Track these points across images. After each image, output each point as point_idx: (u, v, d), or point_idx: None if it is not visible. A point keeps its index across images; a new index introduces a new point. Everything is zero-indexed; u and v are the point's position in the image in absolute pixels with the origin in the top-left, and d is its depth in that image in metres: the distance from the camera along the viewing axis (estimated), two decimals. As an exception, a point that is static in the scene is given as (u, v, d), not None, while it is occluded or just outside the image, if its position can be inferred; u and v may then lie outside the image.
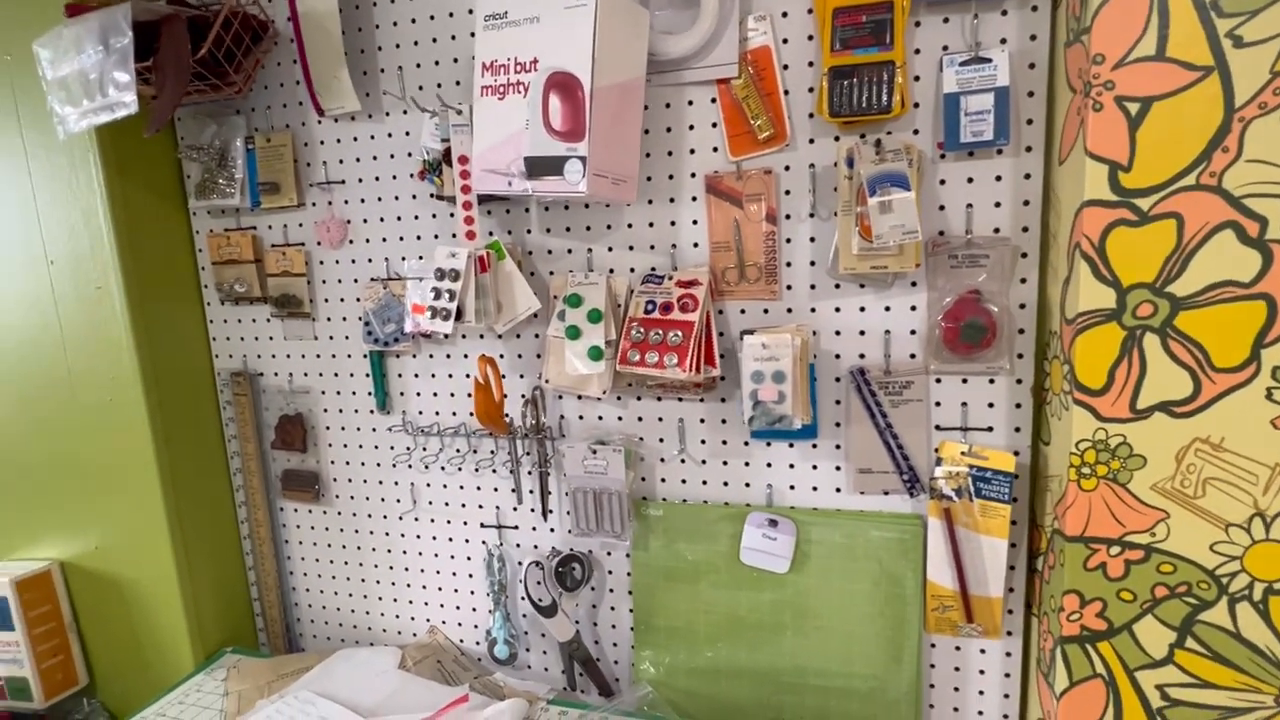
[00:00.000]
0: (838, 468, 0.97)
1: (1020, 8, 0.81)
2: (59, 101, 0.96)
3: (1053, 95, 0.81)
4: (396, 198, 1.10)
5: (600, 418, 1.06)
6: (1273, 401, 0.69)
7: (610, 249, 1.02)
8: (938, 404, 0.91)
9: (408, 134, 1.08)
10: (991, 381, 0.89)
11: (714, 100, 0.93)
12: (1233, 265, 0.68)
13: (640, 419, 1.04)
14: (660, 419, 1.03)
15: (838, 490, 0.97)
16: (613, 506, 1.04)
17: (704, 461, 1.03)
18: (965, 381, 0.90)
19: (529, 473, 1.11)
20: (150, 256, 1.15)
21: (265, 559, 1.29)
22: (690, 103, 0.94)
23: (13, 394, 1.20)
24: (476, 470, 1.14)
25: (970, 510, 0.88)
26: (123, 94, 0.92)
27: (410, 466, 1.18)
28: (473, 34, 1.00)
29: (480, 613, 1.19)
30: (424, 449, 1.17)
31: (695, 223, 0.97)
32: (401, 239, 1.11)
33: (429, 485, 1.18)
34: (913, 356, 0.91)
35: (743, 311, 0.97)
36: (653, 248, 1.00)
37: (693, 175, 0.96)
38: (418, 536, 1.21)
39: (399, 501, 1.20)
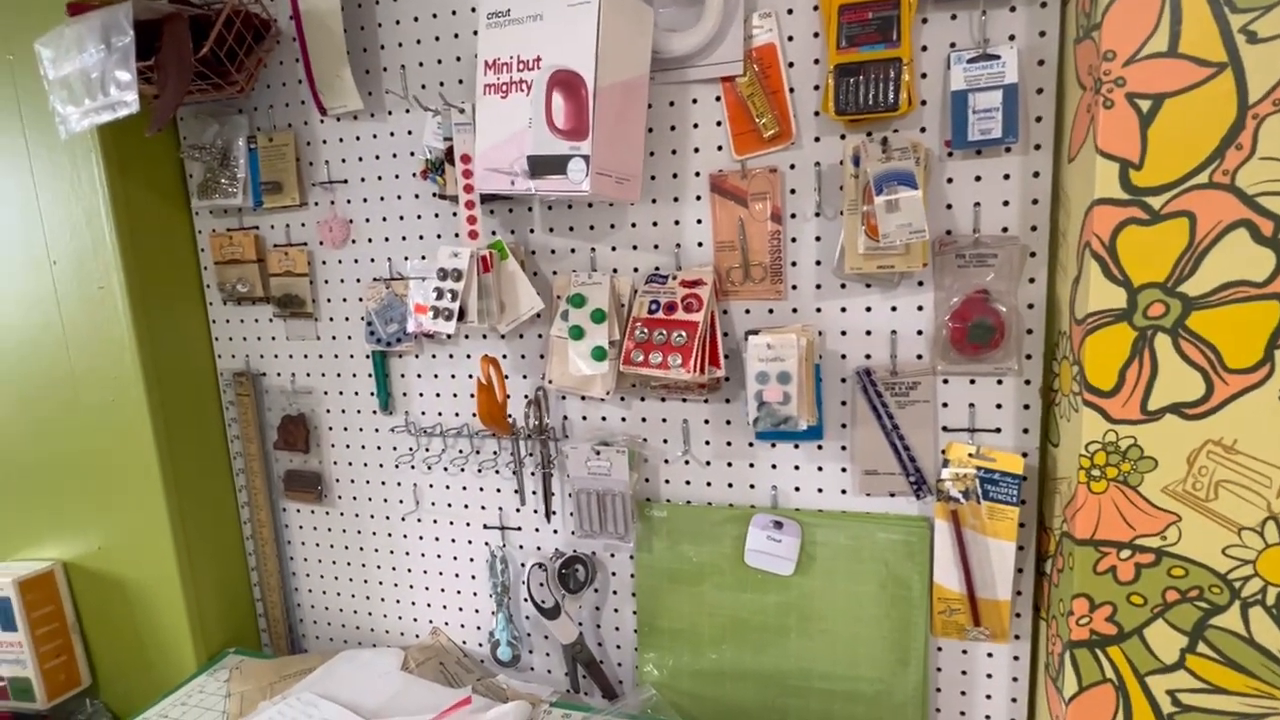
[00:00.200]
0: (843, 469, 0.96)
1: (1029, 4, 0.80)
2: (61, 101, 0.96)
3: (1062, 92, 0.80)
4: (399, 197, 1.10)
5: (604, 418, 1.06)
6: (1287, 403, 0.68)
7: (614, 248, 1.01)
8: (945, 405, 0.90)
9: (410, 133, 1.07)
10: (999, 382, 0.88)
11: (718, 98, 0.92)
12: (1246, 265, 0.67)
13: (644, 420, 1.04)
14: (664, 420, 1.03)
15: (843, 492, 0.96)
16: (616, 508, 1.03)
17: (708, 463, 1.02)
18: (973, 382, 0.89)
19: (532, 474, 1.10)
20: (152, 256, 1.15)
21: (268, 559, 1.28)
22: (694, 101, 0.94)
23: (15, 394, 1.20)
24: (479, 471, 1.13)
25: (978, 512, 0.87)
26: (124, 93, 0.91)
27: (413, 467, 1.18)
28: (475, 32, 0.99)
29: (483, 614, 1.19)
30: (426, 449, 1.16)
31: (699, 222, 0.96)
32: (404, 239, 1.11)
33: (432, 486, 1.17)
34: (919, 357, 0.90)
35: (747, 311, 0.96)
36: (657, 247, 0.99)
37: (697, 174, 0.95)
38: (420, 537, 1.20)
39: (401, 502, 1.20)
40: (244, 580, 1.31)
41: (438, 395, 1.13)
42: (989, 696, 0.95)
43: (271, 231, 1.18)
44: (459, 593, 1.20)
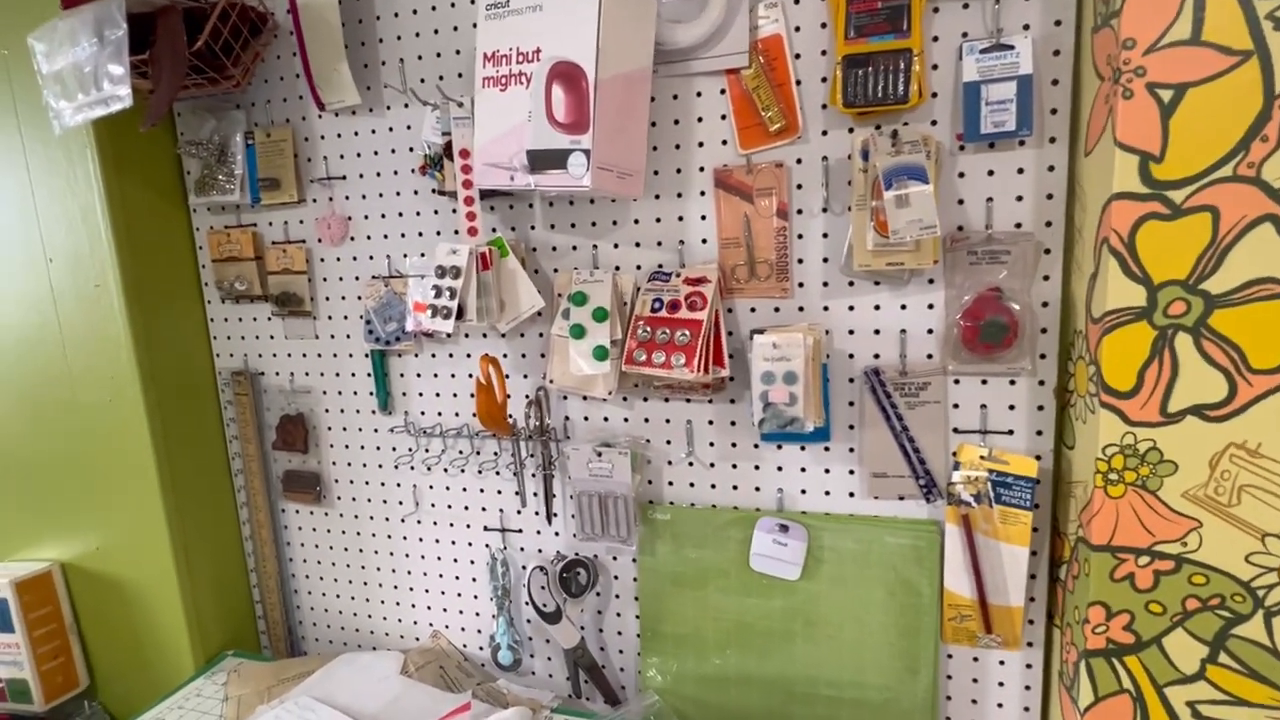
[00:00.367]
0: (851, 472, 0.94)
1: (1044, -8, 0.77)
2: (54, 96, 0.94)
3: (1078, 83, 0.78)
4: (398, 193, 1.08)
5: (606, 419, 1.04)
6: (1314, 405, 0.66)
7: (616, 245, 0.99)
8: (956, 406, 0.88)
9: (409, 128, 1.05)
10: (1012, 383, 0.85)
11: (723, 91, 0.90)
12: (1272, 261, 0.65)
13: (647, 420, 1.02)
14: (667, 420, 1.01)
15: (851, 495, 0.94)
16: (618, 510, 1.01)
17: (712, 464, 1.00)
18: (985, 383, 0.87)
19: (533, 475, 1.08)
20: (150, 254, 1.14)
21: (267, 561, 1.27)
22: (699, 94, 0.92)
23: (12, 393, 1.19)
24: (479, 472, 1.12)
25: (990, 516, 0.85)
26: (117, 87, 0.90)
27: (412, 468, 1.16)
28: (474, 24, 0.97)
29: (484, 617, 1.17)
30: (426, 450, 1.14)
31: (704, 218, 0.94)
32: (403, 235, 1.09)
33: (431, 487, 1.16)
34: (930, 357, 0.88)
35: (753, 310, 0.94)
36: (660, 244, 0.97)
37: (701, 169, 0.93)
38: (420, 539, 1.19)
39: (401, 503, 1.18)
40: (242, 581, 1.29)
41: (437, 395, 1.12)
42: (1000, 705, 0.93)
43: (270, 228, 1.17)
44: (459, 595, 1.18)
